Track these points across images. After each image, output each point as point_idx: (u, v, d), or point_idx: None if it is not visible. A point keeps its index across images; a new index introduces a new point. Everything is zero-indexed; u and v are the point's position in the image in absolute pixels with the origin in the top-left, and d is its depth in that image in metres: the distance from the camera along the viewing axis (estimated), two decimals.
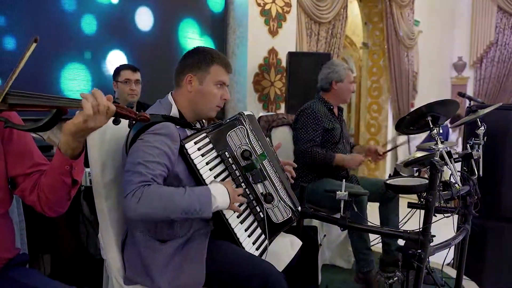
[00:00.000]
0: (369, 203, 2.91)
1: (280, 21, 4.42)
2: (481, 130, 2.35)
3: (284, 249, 1.85)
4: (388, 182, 2.37)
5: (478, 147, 2.35)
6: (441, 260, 2.35)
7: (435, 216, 2.15)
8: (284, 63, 4.39)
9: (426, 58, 7.24)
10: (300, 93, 3.98)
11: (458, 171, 2.25)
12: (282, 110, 4.43)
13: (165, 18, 3.83)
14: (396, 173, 2.81)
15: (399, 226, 2.71)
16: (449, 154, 2.02)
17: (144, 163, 1.42)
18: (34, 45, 1.15)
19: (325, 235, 2.66)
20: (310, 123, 2.68)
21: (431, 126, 1.92)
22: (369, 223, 2.41)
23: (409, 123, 2.00)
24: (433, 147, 1.89)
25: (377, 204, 2.80)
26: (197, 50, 1.68)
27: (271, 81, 4.41)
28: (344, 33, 5.56)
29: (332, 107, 2.79)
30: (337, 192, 2.03)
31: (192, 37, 4.05)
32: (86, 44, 3.35)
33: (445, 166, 1.96)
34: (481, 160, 2.35)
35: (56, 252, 2.61)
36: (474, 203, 2.43)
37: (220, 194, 1.48)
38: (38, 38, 1.15)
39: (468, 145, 2.28)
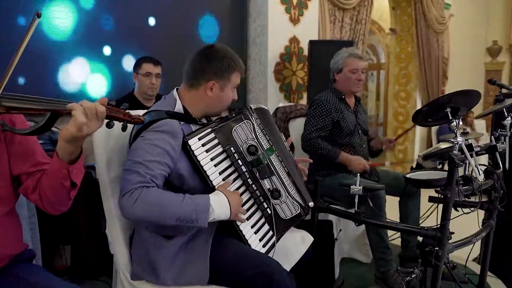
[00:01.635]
0: (389, 197, 2.84)
1: (301, 8, 4.32)
2: (508, 121, 2.22)
3: (295, 245, 1.81)
4: (407, 176, 2.29)
5: (504, 139, 2.23)
6: (465, 255, 2.25)
7: (457, 211, 2.07)
8: (306, 52, 4.29)
9: (458, 43, 6.97)
10: (321, 83, 3.87)
11: (481, 165, 2.15)
12: (304, 100, 4.35)
13: (184, 8, 3.81)
14: (419, 166, 2.72)
15: (420, 222, 2.65)
16: (469, 147, 1.92)
17: (143, 163, 1.41)
18: (37, 20, 1.16)
19: (340, 230, 2.60)
20: (318, 113, 2.63)
21: (450, 118, 1.82)
22: (386, 219, 2.35)
23: (426, 114, 1.90)
24: (452, 140, 1.79)
25: (398, 198, 2.72)
26: (219, 55, 1.62)
27: (293, 71, 4.33)
28: (369, 19, 5.39)
29: (343, 96, 2.71)
30: (351, 187, 1.98)
31: (211, 27, 4.02)
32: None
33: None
34: (507, 152, 2.23)
35: (76, 243, 2.66)
36: (500, 198, 2.32)
37: (219, 206, 1.45)
38: (40, 13, 1.16)
39: (493, 137, 2.16)
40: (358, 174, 2.02)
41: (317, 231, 2.23)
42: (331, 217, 2.50)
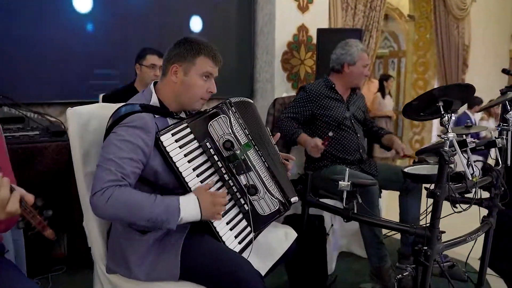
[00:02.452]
0: (390, 192, 2.76)
1: None
2: (511, 115, 2.11)
3: (278, 241, 1.78)
4: (406, 170, 2.21)
5: (507, 134, 2.12)
6: (467, 252, 2.17)
7: (456, 208, 1.99)
8: (315, 41, 4.20)
9: (481, 29, 6.71)
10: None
11: (478, 161, 2.06)
12: None
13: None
14: (421, 160, 2.63)
15: (420, 218, 2.57)
16: (463, 143, 1.83)
17: (115, 160, 1.39)
18: None
19: (332, 225, 2.55)
20: (299, 100, 2.63)
21: (442, 112, 1.73)
22: (379, 215, 2.28)
23: (418, 108, 1.82)
24: (443, 136, 1.71)
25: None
26: (185, 40, 1.61)
27: (301, 59, 4.25)
28: (384, 6, 5.23)
29: (333, 85, 2.65)
30: (339, 182, 1.92)
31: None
32: None
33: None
34: (509, 148, 2.12)
35: (73, 232, 2.69)
36: (502, 195, 2.22)
37: (188, 207, 1.43)
38: None
39: (491, 132, 2.06)
40: (347, 169, 1.96)
41: (308, 226, 2.19)
42: (324, 211, 2.44)
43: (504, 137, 2.12)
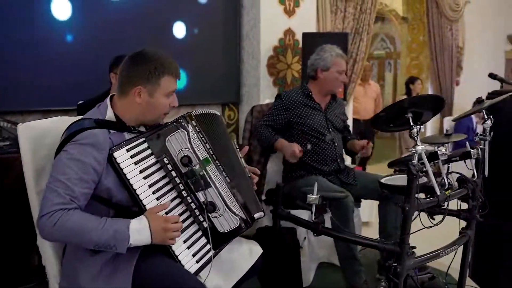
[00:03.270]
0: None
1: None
2: (487, 124, 2.05)
3: (243, 258, 1.73)
4: (382, 180, 2.16)
5: (484, 144, 2.06)
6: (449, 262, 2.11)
7: (433, 219, 1.94)
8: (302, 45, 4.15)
9: (475, 30, 6.64)
10: None
11: (454, 172, 2.01)
12: None
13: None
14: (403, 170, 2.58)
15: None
16: (433, 155, 1.77)
17: (64, 181, 1.35)
18: None
19: (305, 238, 2.50)
20: (275, 108, 2.59)
21: (411, 124, 1.68)
22: (352, 228, 2.23)
23: (387, 120, 1.76)
24: (411, 149, 1.65)
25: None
26: (145, 59, 1.53)
27: (288, 64, 4.20)
28: (375, 8, 5.17)
29: (310, 93, 2.59)
30: (308, 196, 1.87)
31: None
32: None
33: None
34: (486, 158, 2.06)
35: None
36: (481, 206, 2.16)
37: (138, 232, 1.39)
38: None
39: (467, 142, 2.00)
40: (316, 182, 1.91)
41: (279, 239, 2.14)
42: None
43: (481, 147, 2.06)
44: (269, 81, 4.12)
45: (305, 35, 3.91)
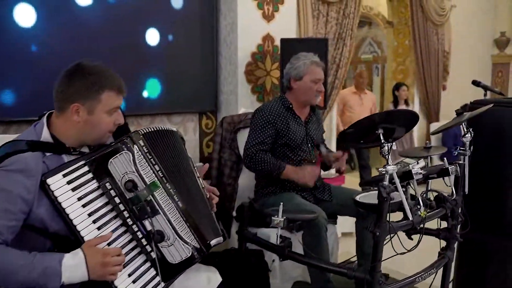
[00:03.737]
0: None
1: (276, 4, 4.03)
2: (467, 138, 1.93)
3: (199, 286, 1.58)
4: (357, 198, 2.03)
5: (464, 159, 1.94)
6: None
7: (411, 239, 1.81)
8: None
9: (462, 35, 6.56)
10: None
11: (431, 191, 1.88)
12: None
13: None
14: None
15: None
16: (407, 174, 1.64)
17: None
18: None
19: (274, 260, 2.35)
20: (260, 125, 2.36)
21: (382, 141, 1.54)
22: (325, 249, 2.09)
23: (356, 136, 1.63)
24: (381, 169, 1.52)
25: None
26: (83, 73, 1.40)
27: (267, 71, 4.06)
28: (358, 13, 5.06)
29: (291, 105, 2.43)
30: (272, 218, 1.73)
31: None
32: None
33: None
34: (466, 174, 1.93)
35: None
36: (463, 224, 2.04)
37: (72, 268, 1.25)
38: None
39: (445, 158, 1.87)
40: (282, 203, 1.76)
41: (245, 262, 2.00)
42: None
43: (461, 162, 1.93)
44: (247, 88, 3.97)
45: (283, 41, 3.78)
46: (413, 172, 1.62)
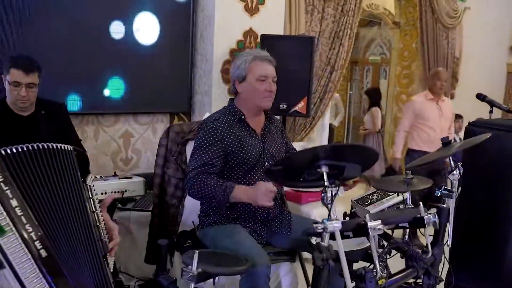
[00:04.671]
0: None
1: None
2: (454, 176, 1.48)
3: None
4: (316, 241, 1.59)
5: (448, 202, 1.49)
6: None
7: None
8: None
9: (474, 40, 6.04)
10: (278, 87, 3.17)
11: (393, 246, 1.43)
12: None
13: None
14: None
15: None
16: (362, 229, 1.20)
17: None
18: None
19: None
20: (205, 144, 1.92)
21: (326, 184, 1.11)
22: None
23: (287, 174, 1.19)
24: (316, 225, 1.08)
25: None
26: None
27: None
28: (359, 10, 4.59)
29: (243, 116, 2.00)
30: (183, 270, 1.31)
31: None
32: None
33: None
34: (451, 221, 1.49)
35: None
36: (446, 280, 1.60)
37: None
38: None
39: (422, 206, 1.42)
40: (197, 252, 1.34)
41: None
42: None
43: (444, 205, 1.49)
44: (223, 89, 3.55)
45: (264, 38, 3.35)
46: (369, 227, 1.17)
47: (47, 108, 2.49)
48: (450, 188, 1.47)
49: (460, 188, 1.47)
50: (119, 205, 2.48)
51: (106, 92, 3.27)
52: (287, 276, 2.01)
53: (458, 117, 5.64)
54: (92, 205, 1.33)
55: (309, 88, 3.35)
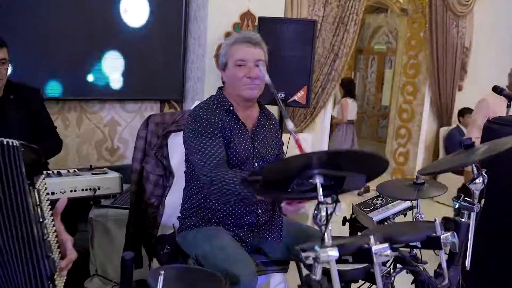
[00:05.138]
0: None
1: None
2: (476, 186, 1.23)
3: None
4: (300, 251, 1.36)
5: (469, 215, 1.25)
6: None
7: None
8: None
9: (486, 30, 5.72)
10: (276, 74, 2.92)
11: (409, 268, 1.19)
12: None
13: None
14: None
15: None
16: (363, 253, 0.96)
17: None
18: None
19: None
20: (203, 130, 1.67)
21: (321, 198, 0.87)
22: None
23: (270, 186, 0.95)
24: (306, 254, 0.84)
25: None
26: None
27: None
28: None
29: (232, 107, 1.75)
30: None
31: None
32: None
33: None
34: (470, 240, 1.25)
35: None
36: None
37: None
38: None
39: (437, 221, 1.17)
40: (162, 272, 1.10)
41: None
42: None
43: (464, 220, 1.25)
44: (218, 76, 3.28)
45: (262, 20, 3.09)
46: (374, 252, 0.93)
47: (18, 93, 2.28)
48: (471, 201, 1.22)
49: (483, 201, 1.23)
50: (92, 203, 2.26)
51: (90, 78, 3.04)
52: (279, 286, 1.79)
53: (466, 111, 5.37)
54: (39, 213, 1.09)
55: (310, 76, 3.10)
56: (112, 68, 3.08)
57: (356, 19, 4.26)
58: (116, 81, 3.14)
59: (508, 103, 2.44)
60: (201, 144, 1.64)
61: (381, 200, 1.81)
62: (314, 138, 4.28)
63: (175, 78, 3.41)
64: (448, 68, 5.43)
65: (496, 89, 2.51)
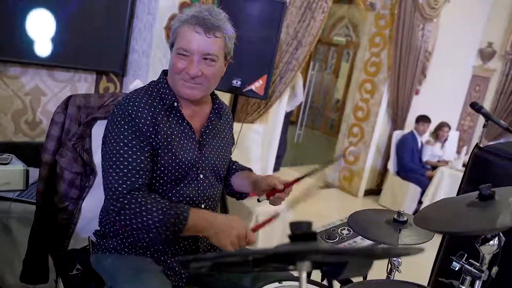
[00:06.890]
0: None
1: None
2: (489, 248, 0.95)
3: None
4: None
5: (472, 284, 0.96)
6: None
7: None
8: None
9: (448, 36, 5.64)
10: (233, 58, 2.53)
11: None
12: None
13: None
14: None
15: None
16: None
17: None
18: None
19: None
20: (124, 136, 1.26)
21: None
22: None
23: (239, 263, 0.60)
24: None
25: None
26: None
27: None
28: None
29: (176, 102, 1.36)
30: None
31: None
32: None
33: None
34: None
35: None
36: None
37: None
38: None
39: None
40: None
41: None
42: None
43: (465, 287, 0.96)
44: (166, 51, 2.85)
45: None
46: None
47: None
48: (479, 266, 0.93)
49: (496, 268, 0.94)
50: None
51: (12, 35, 2.49)
52: None
53: (423, 119, 5.26)
54: None
55: (271, 64, 2.74)
56: (40, 27, 2.55)
57: (324, 7, 3.94)
58: (44, 43, 2.61)
59: (485, 122, 2.23)
60: (121, 157, 1.24)
61: (347, 230, 1.52)
62: (265, 131, 3.96)
63: (117, 47, 2.93)
64: (409, 71, 5.29)
65: (475, 106, 2.28)
